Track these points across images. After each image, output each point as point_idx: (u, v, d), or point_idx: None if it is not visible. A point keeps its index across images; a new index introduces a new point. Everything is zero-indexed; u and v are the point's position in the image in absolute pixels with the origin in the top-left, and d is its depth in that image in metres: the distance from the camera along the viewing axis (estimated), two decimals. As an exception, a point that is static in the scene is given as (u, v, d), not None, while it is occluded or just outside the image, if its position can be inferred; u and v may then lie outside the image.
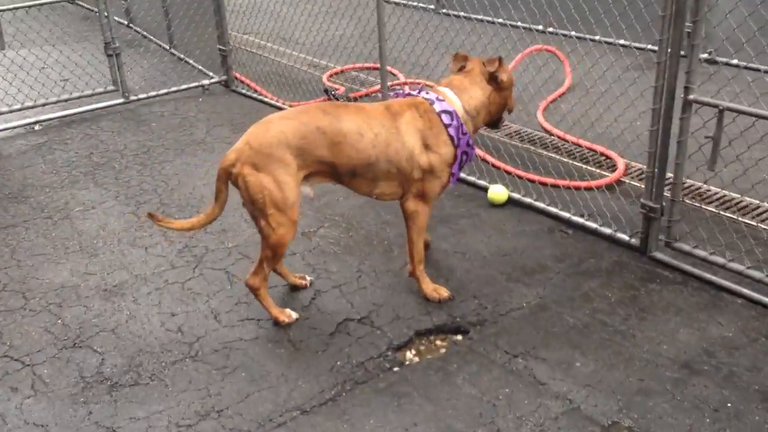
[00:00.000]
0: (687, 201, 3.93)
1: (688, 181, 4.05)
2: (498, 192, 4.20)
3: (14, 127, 5.83)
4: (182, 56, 7.20)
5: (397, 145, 3.19)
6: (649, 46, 5.95)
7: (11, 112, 5.85)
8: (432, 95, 3.30)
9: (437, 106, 3.25)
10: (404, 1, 8.85)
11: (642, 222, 3.57)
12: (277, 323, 3.31)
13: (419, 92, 3.34)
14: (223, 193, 3.28)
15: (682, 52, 3.28)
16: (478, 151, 4.70)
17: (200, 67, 6.89)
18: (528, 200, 4.15)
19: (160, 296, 3.60)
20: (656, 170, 3.43)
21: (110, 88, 6.18)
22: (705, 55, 5.64)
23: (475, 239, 3.90)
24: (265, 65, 7.13)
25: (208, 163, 5.09)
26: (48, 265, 3.93)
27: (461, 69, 3.44)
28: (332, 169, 3.21)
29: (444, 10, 8.67)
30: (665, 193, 3.50)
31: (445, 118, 3.23)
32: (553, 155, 4.85)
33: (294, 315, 3.35)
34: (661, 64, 3.25)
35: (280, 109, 6.00)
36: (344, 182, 3.31)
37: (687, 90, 3.23)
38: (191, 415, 2.83)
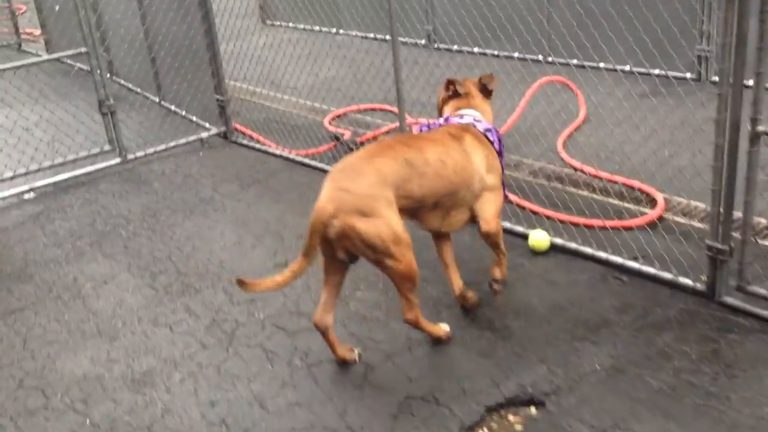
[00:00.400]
0: (758, 241, 3.72)
1: (760, 220, 3.85)
2: (540, 239, 3.96)
3: (6, 197, 5.50)
4: (174, 108, 6.92)
5: (470, 169, 3.28)
6: (659, 72, 5.82)
7: (2, 181, 5.52)
8: (468, 118, 3.47)
9: (480, 127, 3.44)
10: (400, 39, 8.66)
11: (708, 265, 3.35)
12: (439, 341, 3.31)
13: (448, 120, 3.50)
14: (315, 248, 3.04)
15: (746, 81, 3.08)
16: (513, 197, 4.48)
17: (195, 119, 6.62)
18: (573, 245, 3.92)
19: (195, 383, 3.30)
20: (722, 209, 3.22)
21: (106, 148, 5.88)
22: None
23: (526, 293, 3.65)
24: (261, 112, 6.89)
25: (221, 223, 4.80)
26: (65, 354, 3.61)
27: (455, 93, 3.61)
28: (417, 202, 3.16)
29: (437, 45, 8.54)
30: (733, 233, 3.28)
31: (490, 136, 3.44)
32: (584, 193, 4.63)
33: (446, 327, 3.37)
34: (723, 96, 3.05)
35: (286, 159, 5.75)
36: (420, 216, 3.27)
37: (754, 122, 3.02)
38: None
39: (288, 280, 3.10)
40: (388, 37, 8.68)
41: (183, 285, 4.12)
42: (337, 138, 5.69)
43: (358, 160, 3.10)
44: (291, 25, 10.32)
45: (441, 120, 3.53)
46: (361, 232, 2.95)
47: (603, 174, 4.66)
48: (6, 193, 5.49)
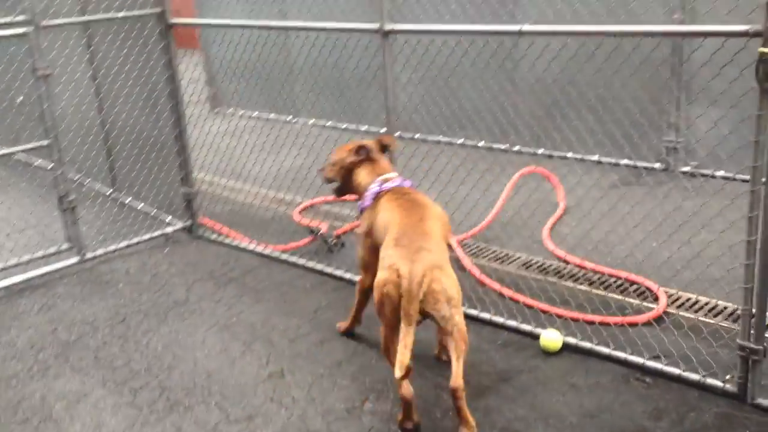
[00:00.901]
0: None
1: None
2: (552, 339, 3.81)
3: (-47, 304, 5.00)
4: (129, 201, 6.56)
5: None
6: (637, 163, 5.93)
7: (-52, 286, 5.02)
8: (397, 180, 3.83)
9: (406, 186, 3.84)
10: (353, 126, 8.65)
11: (740, 365, 3.25)
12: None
13: (389, 184, 3.79)
14: (416, 314, 3.12)
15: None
16: (518, 296, 4.34)
17: (154, 213, 6.28)
18: (587, 345, 3.78)
19: None
20: (754, 309, 3.15)
21: (64, 246, 5.47)
22: None
23: (549, 399, 3.46)
24: (224, 204, 6.61)
25: (201, 328, 4.46)
26: (43, 491, 3.18)
27: (367, 156, 3.91)
28: None
29: (398, 134, 8.51)
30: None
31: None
32: (582, 287, 4.54)
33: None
34: (756, 192, 3.02)
35: (260, 255, 5.48)
36: None
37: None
38: None
39: (409, 357, 3.10)
40: (344, 125, 8.80)
41: (169, 402, 3.74)
42: (313, 232, 5.48)
43: (412, 223, 3.41)
44: (243, 112, 10.15)
45: (382, 187, 3.77)
46: (446, 287, 3.17)
47: (605, 269, 4.59)
48: (-49, 300, 5.00)
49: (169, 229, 5.99)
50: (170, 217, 6.15)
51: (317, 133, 8.38)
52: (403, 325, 3.07)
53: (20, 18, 5.01)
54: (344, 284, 4.88)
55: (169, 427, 3.54)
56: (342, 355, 4.03)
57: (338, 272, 5.00)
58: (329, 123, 9.02)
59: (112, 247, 5.70)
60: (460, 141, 7.61)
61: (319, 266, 5.12)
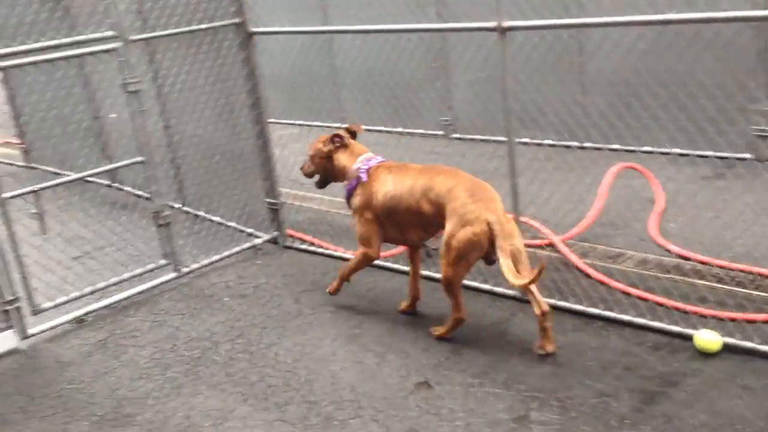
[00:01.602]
0: None
1: None
2: (711, 340, 3.73)
3: (60, 324, 4.90)
4: (204, 214, 6.47)
5: None
6: (727, 154, 5.85)
7: (56, 306, 4.93)
8: (378, 159, 4.50)
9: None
10: (411, 130, 8.56)
11: None
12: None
13: (374, 161, 4.46)
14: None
15: None
16: (661, 299, 4.26)
17: (234, 225, 6.20)
18: (748, 344, 3.71)
19: None
20: None
21: (162, 262, 5.39)
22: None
23: (729, 403, 3.37)
24: (297, 213, 6.52)
25: (326, 340, 4.39)
26: None
27: (342, 143, 4.54)
28: None
29: (455, 135, 8.47)
30: None
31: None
32: (712, 284, 4.46)
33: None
34: None
35: (345, 260, 5.40)
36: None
37: None
38: None
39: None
40: (399, 129, 8.72)
41: (320, 417, 3.67)
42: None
43: (465, 179, 4.09)
44: (290, 122, 10.05)
45: (369, 164, 4.42)
46: (515, 226, 4.07)
47: (734, 265, 4.52)
48: (61, 320, 4.90)
49: (257, 241, 5.91)
50: (252, 230, 6.07)
51: (374, 140, 8.34)
52: (503, 259, 3.82)
53: (109, 33, 4.94)
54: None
55: (331, 442, 3.47)
56: (485, 363, 3.95)
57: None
58: (383, 128, 8.94)
59: (206, 261, 5.63)
60: (525, 140, 7.49)
61: (425, 272, 5.04)
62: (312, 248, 5.80)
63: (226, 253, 5.75)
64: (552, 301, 4.40)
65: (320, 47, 9.32)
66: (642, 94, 6.47)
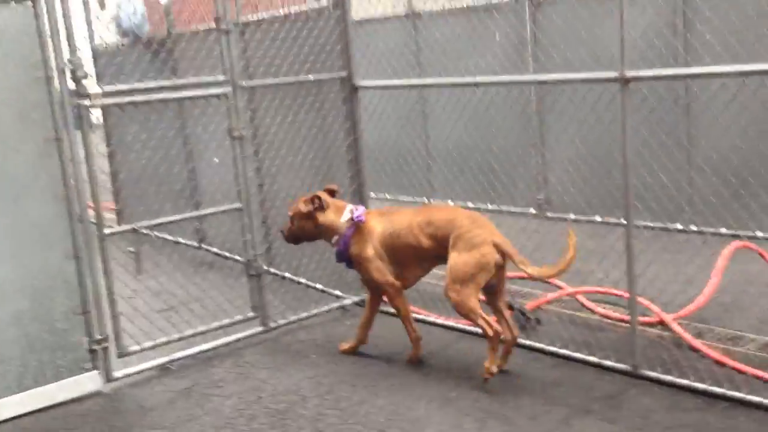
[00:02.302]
0: None
1: None
2: None
3: (144, 370, 4.78)
4: (286, 275, 6.35)
5: None
6: None
7: (142, 351, 4.82)
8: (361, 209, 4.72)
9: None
10: (504, 208, 8.37)
11: None
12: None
13: (357, 212, 4.62)
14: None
15: None
16: None
17: (321, 287, 6.04)
18: None
19: None
20: None
21: (250, 314, 5.26)
22: None
23: None
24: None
25: (421, 402, 4.10)
26: None
27: (320, 204, 4.64)
28: None
29: (549, 214, 8.23)
30: None
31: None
32: None
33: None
34: None
35: (450, 329, 5.14)
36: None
37: None
38: None
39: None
40: (489, 206, 8.53)
41: (417, 479, 3.36)
42: (511, 307, 5.10)
43: (460, 212, 4.46)
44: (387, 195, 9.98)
45: (360, 210, 4.64)
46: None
47: None
48: (146, 365, 4.79)
49: (346, 302, 5.73)
50: (339, 292, 5.90)
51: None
52: (523, 266, 4.19)
53: (221, 78, 5.02)
54: (562, 361, 4.48)
55: (428, 507, 3.14)
56: (597, 435, 3.60)
57: (551, 348, 4.61)
58: (472, 205, 8.79)
59: (293, 318, 5.48)
60: (620, 220, 7.16)
61: (527, 342, 4.74)
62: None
63: (314, 311, 5.59)
64: (668, 378, 4.04)
65: (414, 121, 9.36)
66: (746, 176, 6.10)
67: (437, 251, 4.37)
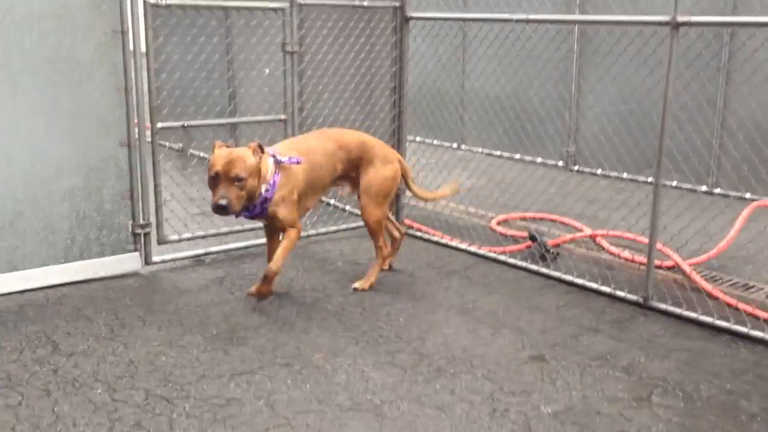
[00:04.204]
0: None
1: None
2: None
3: (180, 259, 5.08)
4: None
5: None
6: None
7: (180, 241, 5.11)
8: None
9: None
10: (531, 158, 8.53)
11: None
12: None
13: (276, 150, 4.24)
14: None
15: None
16: None
17: (349, 208, 6.28)
18: None
19: (514, 476, 2.74)
20: None
21: (282, 222, 5.51)
22: None
23: None
24: (412, 209, 6.55)
25: (439, 310, 4.34)
26: (330, 427, 3.07)
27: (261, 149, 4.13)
28: None
29: (576, 168, 8.37)
30: None
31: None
32: None
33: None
34: None
35: (472, 254, 5.36)
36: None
37: None
38: None
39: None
40: (517, 156, 8.69)
41: (432, 367, 3.62)
42: (533, 238, 5.32)
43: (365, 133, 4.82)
44: (416, 139, 10.17)
45: (280, 154, 4.19)
46: None
47: None
48: (182, 254, 5.08)
49: (373, 222, 5.96)
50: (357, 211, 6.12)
51: (490, 162, 8.41)
52: (414, 187, 4.86)
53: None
54: (576, 289, 4.69)
55: (440, 389, 3.40)
56: (604, 351, 3.82)
57: (567, 277, 4.81)
58: (496, 152, 8.95)
59: (322, 230, 5.73)
60: (648, 179, 7.26)
61: (544, 270, 4.95)
62: (427, 236, 5.80)
63: (343, 226, 5.84)
64: (677, 310, 4.24)
65: (452, 66, 9.46)
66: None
67: (346, 174, 4.56)
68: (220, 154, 3.91)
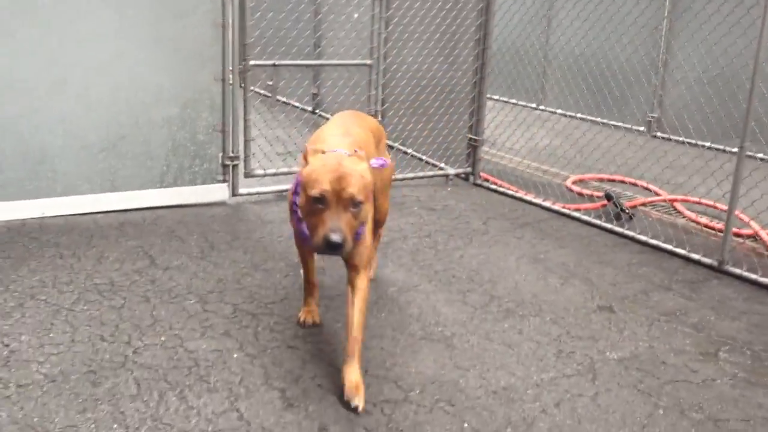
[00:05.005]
0: None
1: None
2: None
3: (265, 193, 5.33)
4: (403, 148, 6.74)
5: None
6: None
7: (265, 175, 5.35)
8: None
9: None
10: (613, 122, 8.43)
11: None
12: None
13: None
14: None
15: None
16: None
17: (426, 159, 6.39)
18: None
19: (572, 411, 2.87)
20: None
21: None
22: None
23: None
24: (486, 164, 6.62)
25: (511, 257, 4.46)
26: (404, 353, 3.25)
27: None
28: None
29: (657, 134, 8.25)
30: None
31: None
32: None
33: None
34: None
35: (546, 209, 5.43)
36: None
37: None
38: None
39: None
40: (598, 119, 8.60)
41: (501, 308, 3.75)
42: (610, 197, 5.34)
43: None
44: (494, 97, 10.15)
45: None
46: None
47: None
48: (264, 189, 5.33)
49: (450, 171, 6.08)
50: (442, 164, 6.23)
51: (567, 124, 8.34)
52: None
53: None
54: (650, 249, 4.72)
55: (508, 328, 3.54)
56: (674, 308, 3.87)
57: (641, 237, 4.84)
58: (581, 116, 8.87)
59: (401, 176, 5.88)
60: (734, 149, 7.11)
61: (618, 229, 4.99)
62: (501, 189, 5.88)
63: (420, 174, 5.98)
64: (752, 276, 4.24)
65: (539, 22, 9.37)
66: None
67: None
68: (324, 166, 2.65)
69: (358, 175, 2.66)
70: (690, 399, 2.99)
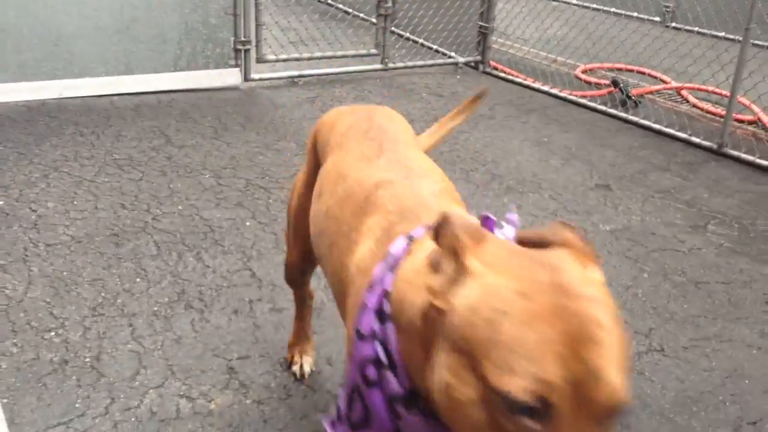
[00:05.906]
0: None
1: None
2: None
3: (276, 78, 5.42)
4: (404, 33, 6.73)
5: None
6: None
7: (277, 61, 5.43)
8: None
9: None
10: (628, 12, 8.29)
11: None
12: None
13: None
14: None
15: None
16: None
17: (437, 47, 6.39)
18: None
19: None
20: None
21: (373, 51, 5.74)
22: None
23: None
24: (496, 54, 6.62)
25: (515, 140, 4.58)
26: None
27: None
28: None
29: (672, 24, 8.13)
30: None
31: None
32: None
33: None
34: None
35: (554, 97, 5.50)
36: None
37: None
38: None
39: None
40: (613, 9, 8.46)
41: (502, 185, 3.92)
42: (617, 84, 5.39)
43: None
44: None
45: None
46: None
47: None
48: (275, 74, 5.41)
49: (460, 59, 6.12)
50: (452, 53, 6.25)
51: (573, 11, 8.22)
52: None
53: None
54: (652, 133, 4.82)
55: (507, 202, 3.71)
56: (669, 186, 4.02)
57: (644, 121, 4.93)
58: (590, 4, 8.71)
59: (410, 63, 5.93)
60: (755, 41, 7.02)
61: (622, 114, 5.07)
62: (510, 78, 5.93)
63: (430, 62, 6.02)
64: (750, 158, 4.35)
65: None
66: None
67: None
68: (532, 300, 0.98)
69: (618, 333, 1.01)
70: (674, 265, 3.18)
